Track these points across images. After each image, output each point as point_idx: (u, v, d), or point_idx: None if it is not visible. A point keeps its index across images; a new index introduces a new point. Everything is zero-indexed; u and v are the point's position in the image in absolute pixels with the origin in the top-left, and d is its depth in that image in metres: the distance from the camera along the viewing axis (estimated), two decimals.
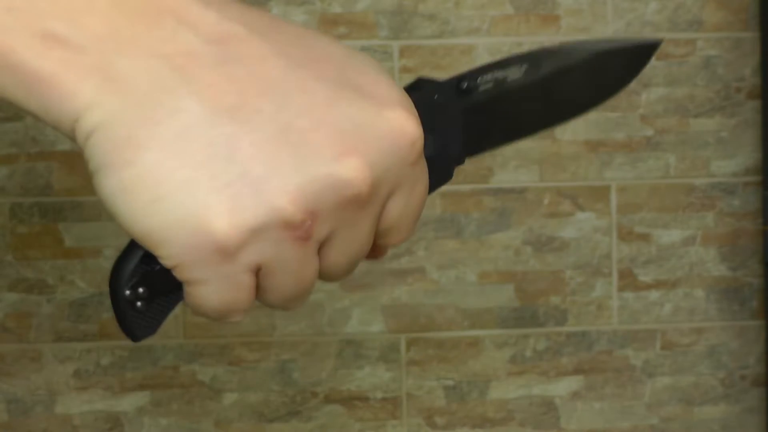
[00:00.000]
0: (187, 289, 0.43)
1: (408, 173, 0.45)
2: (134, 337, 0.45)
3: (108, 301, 1.43)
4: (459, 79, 0.52)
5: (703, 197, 1.46)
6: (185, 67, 0.41)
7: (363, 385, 1.45)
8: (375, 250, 0.48)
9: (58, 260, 1.42)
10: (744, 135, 1.46)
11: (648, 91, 1.45)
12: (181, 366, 1.44)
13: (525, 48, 1.45)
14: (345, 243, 0.45)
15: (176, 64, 0.41)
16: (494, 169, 1.45)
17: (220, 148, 0.41)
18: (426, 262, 1.45)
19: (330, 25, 1.43)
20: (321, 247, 0.44)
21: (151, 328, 0.45)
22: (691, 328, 1.47)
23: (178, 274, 0.42)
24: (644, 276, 1.46)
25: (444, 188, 1.45)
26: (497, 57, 1.44)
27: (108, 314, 1.43)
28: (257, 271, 0.43)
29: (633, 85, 1.45)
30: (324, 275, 0.46)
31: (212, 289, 0.43)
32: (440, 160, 0.51)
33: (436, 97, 0.50)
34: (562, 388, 1.47)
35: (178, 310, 1.44)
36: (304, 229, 0.42)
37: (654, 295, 1.47)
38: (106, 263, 1.43)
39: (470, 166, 1.45)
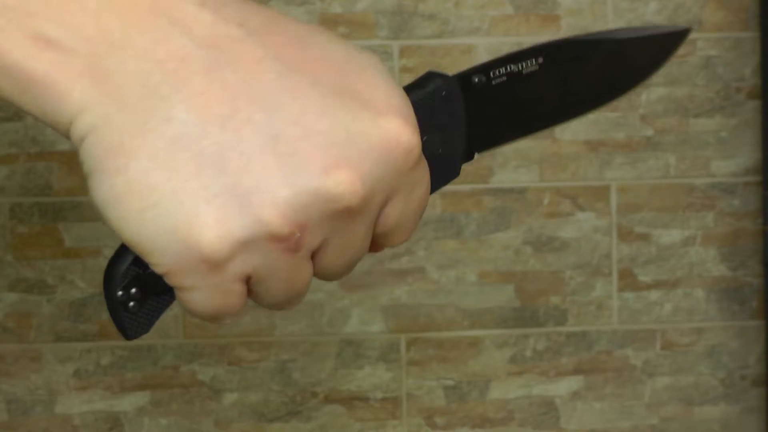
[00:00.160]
0: (178, 294, 0.43)
1: (405, 180, 0.44)
2: (127, 336, 0.45)
3: None
4: (470, 72, 0.50)
5: (703, 197, 1.46)
6: (177, 73, 0.40)
7: (363, 385, 1.45)
8: (375, 247, 0.48)
9: (58, 260, 1.42)
10: (744, 135, 1.46)
11: (648, 90, 1.45)
12: (181, 366, 1.44)
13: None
14: (339, 249, 0.44)
15: (168, 68, 0.40)
16: (494, 169, 1.45)
17: (210, 158, 0.40)
18: (426, 262, 1.45)
19: (330, 25, 1.43)
20: (315, 252, 0.44)
21: (144, 328, 0.46)
22: (691, 328, 1.47)
23: (168, 281, 0.43)
24: (644, 276, 1.46)
25: (444, 188, 1.44)
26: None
27: (108, 314, 1.43)
28: (248, 278, 0.43)
29: None
30: (321, 276, 0.46)
31: (202, 295, 0.43)
32: (446, 158, 0.50)
33: (444, 93, 0.49)
34: (562, 388, 1.47)
35: (178, 310, 1.44)
36: (293, 241, 0.42)
37: (654, 295, 1.47)
38: (106, 263, 1.42)
39: (470, 166, 1.45)
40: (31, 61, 0.40)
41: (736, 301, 1.47)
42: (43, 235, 1.42)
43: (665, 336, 1.47)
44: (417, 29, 1.44)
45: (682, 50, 1.45)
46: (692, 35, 1.46)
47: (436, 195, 1.44)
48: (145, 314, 0.46)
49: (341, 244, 0.44)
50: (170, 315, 1.43)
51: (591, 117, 1.45)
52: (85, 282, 1.42)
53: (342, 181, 0.42)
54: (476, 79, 0.50)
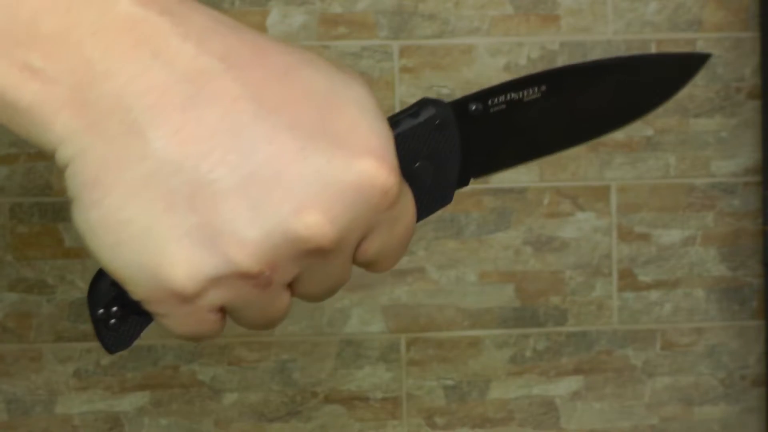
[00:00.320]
0: (155, 317, 0.45)
1: (383, 218, 0.44)
2: (108, 350, 0.47)
3: None
4: (467, 100, 0.50)
5: (703, 197, 1.46)
6: (155, 107, 0.41)
7: (363, 385, 1.45)
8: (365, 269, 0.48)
9: (58, 260, 1.42)
10: (744, 135, 1.46)
11: None
12: (181, 366, 1.44)
13: (525, 48, 1.45)
14: (315, 281, 0.45)
15: (147, 103, 0.41)
16: None
17: (181, 196, 0.41)
18: (426, 262, 1.45)
19: (330, 25, 1.43)
20: (292, 282, 0.45)
21: (126, 343, 0.47)
22: (691, 328, 1.47)
23: (145, 307, 0.44)
24: (644, 276, 1.46)
25: None
26: (497, 57, 1.44)
27: None
28: (222, 307, 0.44)
29: None
30: (303, 299, 0.46)
31: (177, 321, 0.44)
32: (439, 186, 0.49)
33: (437, 122, 0.48)
34: (562, 388, 1.47)
35: None
36: (263, 278, 0.42)
37: (654, 295, 1.47)
38: None
39: None
40: (17, 91, 0.41)
41: (736, 301, 1.47)
42: (43, 235, 1.42)
43: (665, 336, 1.47)
44: (417, 29, 1.44)
45: (682, 50, 1.45)
46: (692, 35, 1.46)
47: None
48: (125, 331, 0.47)
49: (317, 276, 0.45)
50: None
51: None
52: (85, 282, 1.42)
53: (311, 224, 0.42)
54: (473, 107, 0.50)
